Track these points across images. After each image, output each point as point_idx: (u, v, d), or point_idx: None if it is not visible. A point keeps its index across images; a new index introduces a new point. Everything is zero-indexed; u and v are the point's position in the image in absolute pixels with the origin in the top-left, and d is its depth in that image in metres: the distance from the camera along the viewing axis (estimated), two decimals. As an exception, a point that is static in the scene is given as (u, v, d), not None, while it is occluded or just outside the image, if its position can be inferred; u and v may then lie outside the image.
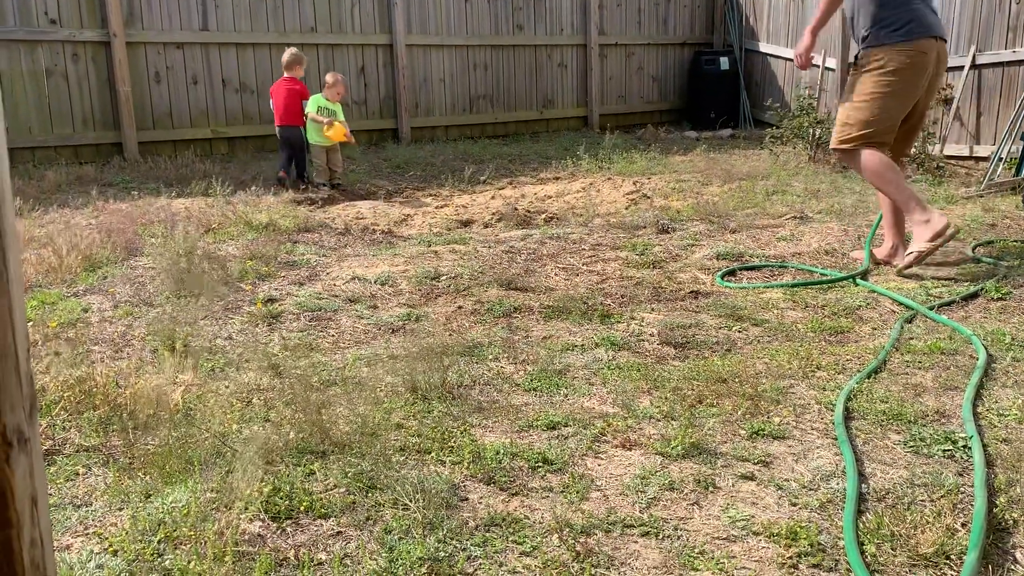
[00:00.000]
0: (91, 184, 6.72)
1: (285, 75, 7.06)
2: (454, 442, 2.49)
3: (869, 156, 4.20)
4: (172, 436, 2.46)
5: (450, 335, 3.48)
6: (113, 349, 3.32)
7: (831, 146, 4.50)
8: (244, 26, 8.48)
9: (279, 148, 7.16)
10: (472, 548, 1.95)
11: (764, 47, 11.04)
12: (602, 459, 2.40)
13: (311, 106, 6.75)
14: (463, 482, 2.26)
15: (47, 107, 7.64)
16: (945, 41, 4.25)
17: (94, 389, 2.74)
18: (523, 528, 2.03)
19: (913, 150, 4.38)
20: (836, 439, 2.48)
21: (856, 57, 4.32)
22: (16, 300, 0.77)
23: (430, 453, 2.42)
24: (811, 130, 8.06)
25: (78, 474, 2.34)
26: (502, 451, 2.41)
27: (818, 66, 9.83)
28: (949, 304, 3.78)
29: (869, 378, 2.94)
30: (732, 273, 4.42)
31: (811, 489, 2.21)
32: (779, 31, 10.79)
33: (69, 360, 3.03)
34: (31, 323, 3.49)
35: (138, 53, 7.98)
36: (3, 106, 7.26)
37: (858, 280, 4.14)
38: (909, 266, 4.20)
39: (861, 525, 2.01)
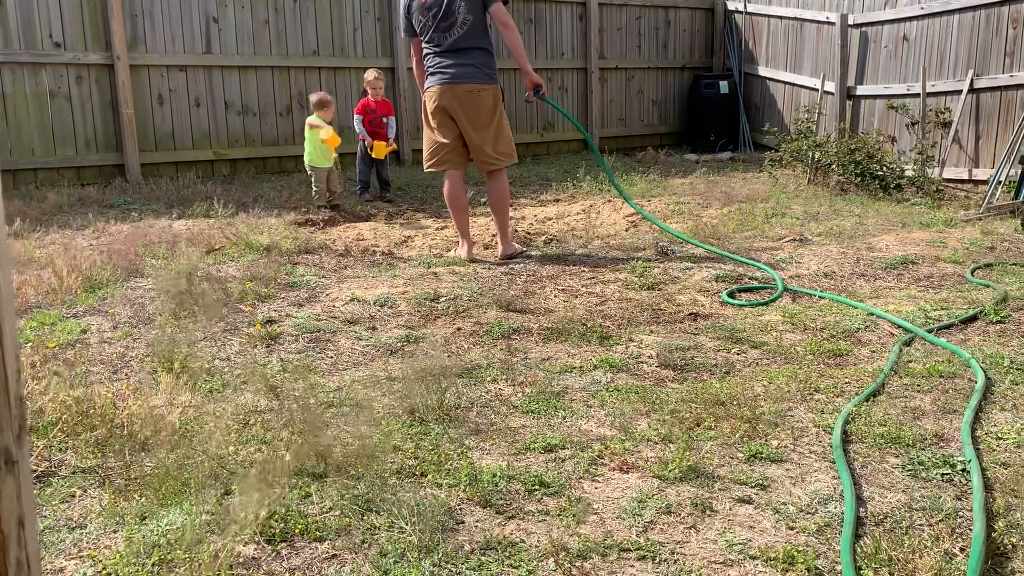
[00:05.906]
0: (93, 205, 6.74)
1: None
2: (451, 465, 2.48)
3: (445, 182, 5.40)
4: (169, 458, 2.46)
5: (448, 357, 3.48)
6: (112, 370, 3.32)
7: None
8: (247, 49, 8.54)
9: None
10: (467, 572, 1.94)
11: (763, 71, 11.11)
12: (599, 482, 2.39)
13: (312, 130, 6.72)
14: (459, 505, 2.25)
15: (50, 129, 7.68)
16: (457, 84, 5.20)
17: (92, 410, 2.74)
18: (519, 552, 2.02)
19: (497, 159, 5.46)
20: (834, 462, 2.47)
21: None
22: (7, 320, 0.77)
23: (427, 476, 2.42)
24: (810, 153, 8.08)
25: (73, 496, 2.34)
26: (499, 474, 2.40)
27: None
28: (948, 327, 3.78)
29: (868, 401, 2.94)
30: (732, 295, 4.42)
31: (809, 513, 2.20)
32: (778, 55, 10.86)
33: (67, 381, 3.03)
34: (30, 343, 3.50)
35: (141, 76, 8.04)
36: (7, 128, 7.35)
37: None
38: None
39: (859, 549, 2.00)
